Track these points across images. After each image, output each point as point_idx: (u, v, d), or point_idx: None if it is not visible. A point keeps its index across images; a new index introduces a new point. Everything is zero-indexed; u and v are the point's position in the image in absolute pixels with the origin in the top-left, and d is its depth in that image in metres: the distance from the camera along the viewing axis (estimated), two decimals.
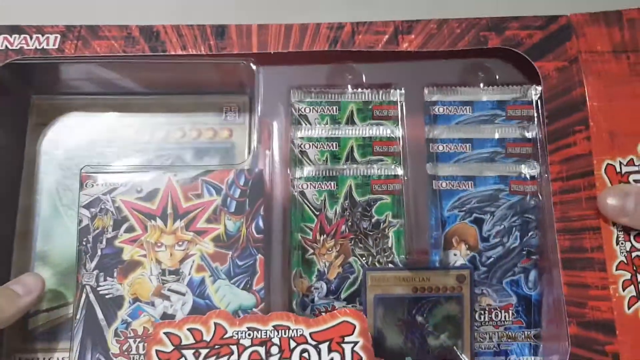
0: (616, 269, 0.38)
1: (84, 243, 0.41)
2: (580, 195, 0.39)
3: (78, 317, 0.40)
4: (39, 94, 0.48)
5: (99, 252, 0.41)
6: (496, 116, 0.45)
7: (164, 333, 0.37)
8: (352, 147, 0.45)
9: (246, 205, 0.42)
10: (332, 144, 0.45)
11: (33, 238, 0.45)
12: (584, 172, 0.40)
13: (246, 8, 0.53)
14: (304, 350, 0.37)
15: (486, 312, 0.44)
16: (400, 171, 0.44)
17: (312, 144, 0.45)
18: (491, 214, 0.44)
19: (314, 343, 0.37)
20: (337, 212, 0.44)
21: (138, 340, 0.40)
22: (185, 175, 0.42)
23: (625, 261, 0.38)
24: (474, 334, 0.43)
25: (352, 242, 0.44)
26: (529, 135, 0.45)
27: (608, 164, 0.40)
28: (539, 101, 0.44)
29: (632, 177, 0.39)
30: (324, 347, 0.37)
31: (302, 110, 0.45)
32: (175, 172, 0.42)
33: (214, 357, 0.36)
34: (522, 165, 0.44)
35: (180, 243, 0.41)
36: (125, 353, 0.39)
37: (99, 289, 0.40)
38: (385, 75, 0.45)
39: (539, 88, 0.43)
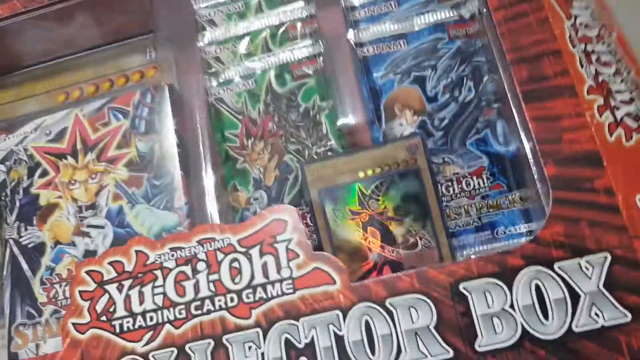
0: (587, 94, 0.30)
1: (3, 198, 0.39)
2: (529, 19, 0.32)
3: (5, 273, 0.38)
4: None
5: (17, 204, 0.39)
6: None
7: (85, 272, 0.33)
8: (265, 39, 0.40)
9: (155, 123, 0.38)
10: (243, 41, 0.40)
11: None
12: None
13: None
14: (233, 260, 0.32)
15: (454, 182, 0.36)
16: (319, 49, 0.39)
17: (223, 47, 0.41)
18: (433, 69, 0.37)
19: (243, 250, 0.32)
20: (261, 110, 0.39)
21: (64, 284, 0.36)
22: (91, 107, 0.39)
23: (594, 84, 0.30)
24: (445, 211, 0.36)
25: (283, 138, 0.39)
26: None
27: None
28: None
29: (575, 4, 0.32)
30: (254, 251, 0.32)
31: (207, 15, 0.41)
32: (81, 107, 0.39)
33: (138, 286, 0.32)
34: (459, 8, 0.38)
35: (93, 176, 0.38)
36: (53, 300, 0.36)
37: (21, 239, 0.38)
38: None
39: None
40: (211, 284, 0.31)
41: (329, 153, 0.38)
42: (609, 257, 0.28)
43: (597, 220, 0.28)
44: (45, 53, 0.45)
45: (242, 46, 0.40)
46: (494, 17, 0.33)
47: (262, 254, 0.31)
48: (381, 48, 0.38)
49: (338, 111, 0.38)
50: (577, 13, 0.32)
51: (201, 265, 0.32)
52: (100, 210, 0.38)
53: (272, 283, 0.31)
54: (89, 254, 0.37)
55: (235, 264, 0.31)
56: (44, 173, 0.39)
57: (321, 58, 0.39)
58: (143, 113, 0.38)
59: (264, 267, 0.31)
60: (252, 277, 0.31)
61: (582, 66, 0.31)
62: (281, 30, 0.40)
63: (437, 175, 0.36)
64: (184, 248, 0.32)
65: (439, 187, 0.36)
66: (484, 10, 0.35)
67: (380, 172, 0.36)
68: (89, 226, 0.37)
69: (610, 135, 0.30)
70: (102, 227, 0.37)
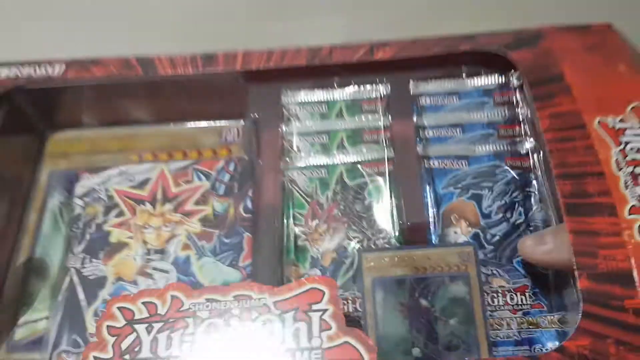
0: (629, 214, 0.34)
1: (74, 229, 0.41)
2: (575, 144, 0.37)
3: (59, 299, 0.39)
4: (51, 128, 0.49)
5: (88, 237, 0.41)
6: (484, 103, 0.45)
7: (117, 308, 0.34)
8: (341, 137, 0.45)
9: (235, 188, 0.42)
10: (322, 137, 0.45)
11: (32, 252, 0.45)
12: (576, 125, 0.38)
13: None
14: (266, 321, 0.33)
15: (499, 294, 0.39)
16: (390, 154, 0.44)
17: (303, 138, 0.46)
18: (490, 189, 0.42)
19: (277, 312, 0.33)
20: (329, 197, 0.43)
21: None
22: (177, 165, 0.43)
23: (638, 204, 0.34)
24: (489, 320, 0.38)
25: (346, 225, 0.42)
26: (519, 116, 0.44)
27: (600, 120, 0.38)
28: (521, 85, 0.44)
29: (628, 132, 0.38)
30: (288, 316, 0.33)
31: (294, 110, 0.47)
32: (168, 164, 0.43)
33: (168, 330, 0.33)
34: (516, 145, 0.43)
35: (167, 224, 0.41)
36: None
37: (83, 270, 0.40)
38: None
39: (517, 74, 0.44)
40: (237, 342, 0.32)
41: (387, 245, 0.41)
42: None
43: (623, 340, 0.30)
44: (131, 117, 0.50)
45: (320, 140, 0.45)
46: (545, 136, 0.38)
47: (295, 320, 0.33)
48: (445, 164, 0.43)
49: (401, 211, 0.42)
50: (629, 140, 0.37)
51: (234, 321, 0.33)
52: (167, 256, 0.40)
53: (302, 350, 0.31)
54: None
55: (268, 325, 0.33)
56: (120, 214, 0.42)
57: (391, 162, 0.44)
58: (224, 178, 0.42)
59: (296, 333, 0.32)
60: (283, 341, 0.32)
61: (626, 187, 0.35)
62: (357, 133, 0.45)
63: (484, 284, 0.39)
64: (219, 300, 0.33)
65: (485, 297, 0.39)
66: (539, 148, 0.41)
67: (432, 271, 0.39)
68: (154, 269, 0.39)
69: None
70: (166, 271, 0.39)
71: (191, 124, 0.49)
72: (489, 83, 0.46)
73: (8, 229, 0.44)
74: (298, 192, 0.43)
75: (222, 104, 0.48)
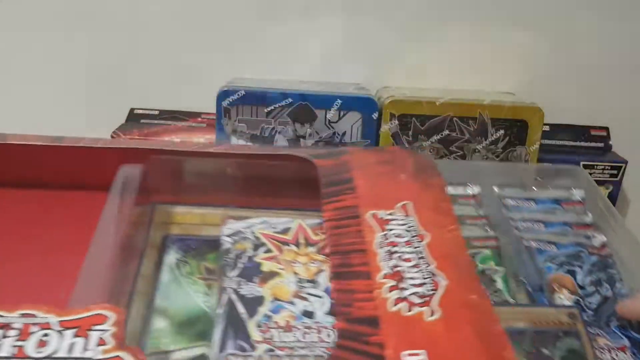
0: (382, 278, 0.42)
1: (225, 260, 0.44)
2: (349, 230, 0.45)
3: (219, 312, 0.40)
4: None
5: (240, 265, 0.43)
6: (555, 210, 0.56)
7: None
8: None
9: None
10: None
11: (153, 296, 0.45)
12: (352, 216, 0.47)
13: None
14: (45, 335, 0.35)
15: (606, 351, 0.44)
16: (492, 233, 0.52)
17: None
18: (580, 267, 0.50)
19: (59, 329, 0.35)
20: None
21: (281, 330, 0.39)
22: (312, 221, 0.49)
23: (390, 272, 0.42)
24: None
25: None
26: (586, 220, 0.55)
27: (373, 213, 0.47)
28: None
29: (392, 222, 0.46)
30: (69, 332, 0.35)
31: None
32: (304, 220, 0.49)
33: None
34: (591, 239, 0.53)
35: (313, 262, 0.45)
36: (268, 340, 0.38)
37: (239, 290, 0.41)
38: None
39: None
40: (15, 348, 0.34)
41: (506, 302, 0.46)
42: None
43: None
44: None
45: None
46: (326, 224, 0.46)
47: (75, 335, 0.35)
48: (540, 245, 0.51)
49: (510, 277, 0.48)
50: (392, 227, 0.46)
51: (12, 332, 0.34)
52: (319, 285, 0.43)
53: (74, 359, 0.33)
54: (307, 313, 0.41)
55: (46, 338, 0.34)
56: (268, 250, 0.45)
57: (495, 240, 0.51)
58: None
59: (71, 345, 0.34)
60: (56, 351, 0.34)
61: (382, 260, 0.43)
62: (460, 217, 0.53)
63: (592, 339, 0.44)
64: (4, 316, 0.35)
65: (594, 351, 0.44)
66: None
67: (546, 326, 0.44)
68: (308, 294, 0.42)
69: (395, 306, 0.39)
70: (320, 297, 0.42)
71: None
72: (558, 195, 0.57)
73: (126, 277, 0.45)
74: None
75: None
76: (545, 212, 0.56)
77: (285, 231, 0.47)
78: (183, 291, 0.45)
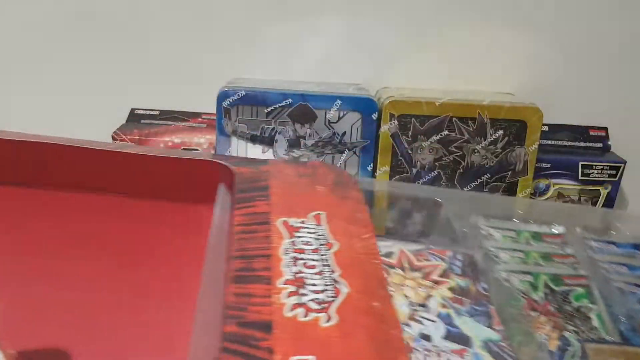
0: (283, 283, 0.42)
1: None
2: (256, 235, 0.46)
3: None
4: None
5: None
6: (635, 254, 0.56)
7: None
8: (535, 257, 0.54)
9: (469, 272, 0.49)
10: (519, 253, 0.54)
11: None
12: (261, 222, 0.47)
13: None
14: None
15: None
16: (584, 272, 0.53)
17: (503, 251, 0.54)
18: None
19: None
20: (541, 297, 0.50)
21: None
22: (412, 247, 0.50)
23: (292, 278, 0.42)
24: None
25: (563, 319, 0.48)
26: None
27: (284, 220, 0.48)
28: None
29: (302, 230, 0.47)
30: None
31: (489, 230, 0.56)
32: (405, 245, 0.50)
33: None
34: None
35: (421, 287, 0.46)
36: None
37: None
38: None
39: None
40: None
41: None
42: None
43: None
44: None
45: (518, 255, 0.54)
46: (235, 228, 0.46)
47: None
48: (630, 288, 0.52)
49: (605, 317, 0.49)
50: (302, 235, 0.46)
51: None
52: (430, 310, 0.44)
53: None
54: (424, 336, 0.42)
55: None
56: None
57: (586, 279, 0.52)
58: (457, 263, 0.49)
59: None
60: None
61: (287, 266, 0.43)
62: (547, 255, 0.54)
63: None
64: None
65: None
66: None
67: None
68: (422, 317, 0.43)
69: (291, 311, 0.39)
70: (434, 321, 0.43)
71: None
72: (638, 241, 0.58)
73: None
74: (514, 289, 0.50)
75: None
76: (627, 255, 0.56)
77: (388, 255, 0.48)
78: None
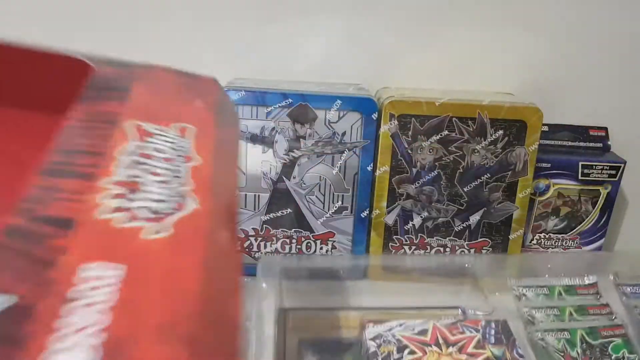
0: (109, 184, 0.34)
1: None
2: (94, 132, 0.40)
3: None
4: None
5: None
6: None
7: None
8: (570, 312, 0.56)
9: (503, 340, 0.51)
10: (553, 310, 0.56)
11: None
12: (106, 120, 0.39)
13: None
14: None
15: None
16: (620, 321, 0.54)
17: (537, 310, 0.56)
18: None
19: None
20: (579, 353, 0.51)
21: None
22: (446, 321, 0.52)
23: (125, 180, 0.35)
24: None
25: None
26: None
27: (138, 124, 0.39)
28: None
29: (159, 137, 0.40)
30: None
31: (521, 290, 0.59)
32: (437, 320, 0.52)
33: None
34: None
35: None
36: None
37: None
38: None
39: None
40: None
41: None
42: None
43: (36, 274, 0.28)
44: None
45: (553, 312, 0.56)
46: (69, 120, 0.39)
47: None
48: None
49: None
50: (156, 141, 0.38)
51: None
52: None
53: None
54: None
55: None
56: (412, 352, 0.50)
57: (623, 328, 0.53)
58: (491, 332, 0.52)
59: None
60: None
61: (120, 167, 0.35)
62: (582, 308, 0.56)
63: None
64: None
65: None
66: None
67: None
68: None
69: (109, 214, 0.31)
70: None
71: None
72: None
73: None
74: (551, 348, 0.52)
75: None
76: None
77: (423, 333, 0.51)
78: None
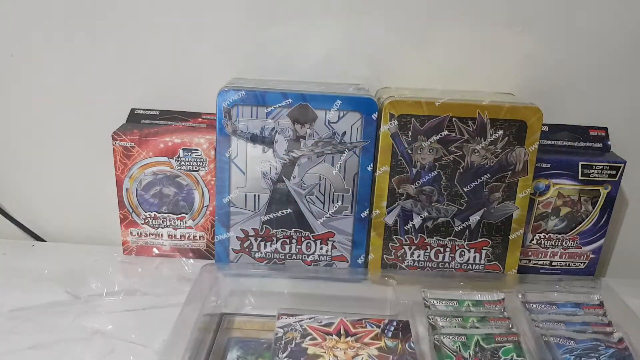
0: None
1: (277, 344, 0.54)
2: None
3: None
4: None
5: (289, 349, 0.54)
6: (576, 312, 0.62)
7: None
8: (473, 321, 0.59)
9: (399, 335, 0.57)
10: (457, 319, 0.60)
11: None
12: None
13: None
14: None
15: None
16: (515, 330, 0.58)
17: (443, 318, 0.60)
18: (597, 359, 0.54)
19: None
20: (470, 354, 0.55)
21: None
22: (352, 318, 0.59)
23: None
24: None
25: None
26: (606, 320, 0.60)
27: None
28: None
29: None
30: None
31: (432, 301, 0.63)
32: (345, 316, 0.58)
33: None
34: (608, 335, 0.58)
35: (351, 348, 0.54)
36: None
37: None
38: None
39: None
40: None
41: None
42: None
43: None
44: None
45: (456, 321, 0.59)
46: None
47: None
48: (559, 341, 0.57)
49: None
50: None
51: None
52: None
53: None
54: None
55: None
56: (314, 339, 0.55)
57: (517, 336, 0.57)
58: (390, 328, 0.57)
59: None
60: None
61: None
62: (485, 319, 0.60)
63: None
64: None
65: None
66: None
67: None
68: None
69: None
70: None
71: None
72: (578, 300, 0.63)
73: None
74: (446, 349, 0.55)
75: None
76: (567, 314, 0.61)
77: (328, 325, 0.57)
78: None
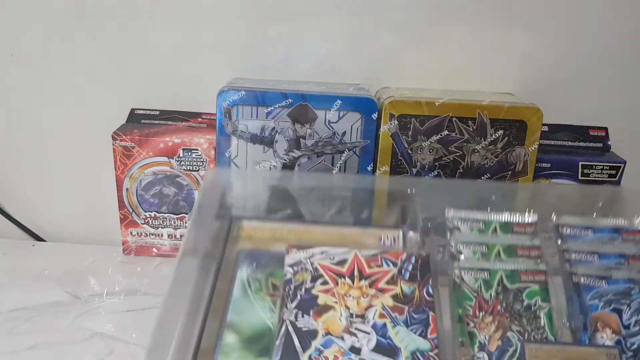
0: None
1: (287, 290, 0.49)
2: None
3: (277, 343, 0.45)
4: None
5: (299, 297, 0.49)
6: (613, 239, 0.55)
7: None
8: (498, 250, 0.54)
9: (417, 276, 0.50)
10: (482, 247, 0.54)
11: (225, 312, 0.50)
12: None
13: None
14: None
15: None
16: (543, 267, 0.52)
17: (466, 246, 0.54)
18: (628, 306, 0.50)
19: None
20: (492, 295, 0.51)
21: None
22: (367, 252, 0.52)
23: None
24: None
25: (508, 320, 0.49)
26: None
27: None
28: None
29: None
30: None
31: (456, 223, 0.56)
32: (360, 249, 0.52)
33: None
34: None
35: (365, 296, 0.49)
36: None
37: (297, 322, 0.47)
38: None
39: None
40: None
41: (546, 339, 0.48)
42: None
43: None
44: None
45: (480, 249, 0.54)
46: None
47: None
48: (590, 281, 0.52)
49: (555, 314, 0.50)
50: None
51: None
52: (367, 320, 0.47)
53: None
54: (354, 349, 0.45)
55: None
56: (325, 282, 0.50)
57: (543, 274, 0.52)
58: (408, 267, 0.51)
59: None
60: None
61: None
62: (512, 248, 0.54)
63: None
64: None
65: None
66: None
67: None
68: (357, 329, 0.46)
69: None
70: (367, 332, 0.46)
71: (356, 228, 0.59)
72: (619, 224, 0.56)
73: (203, 294, 0.51)
74: (466, 287, 0.51)
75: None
76: (602, 242, 0.55)
77: (342, 263, 0.51)
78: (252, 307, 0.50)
